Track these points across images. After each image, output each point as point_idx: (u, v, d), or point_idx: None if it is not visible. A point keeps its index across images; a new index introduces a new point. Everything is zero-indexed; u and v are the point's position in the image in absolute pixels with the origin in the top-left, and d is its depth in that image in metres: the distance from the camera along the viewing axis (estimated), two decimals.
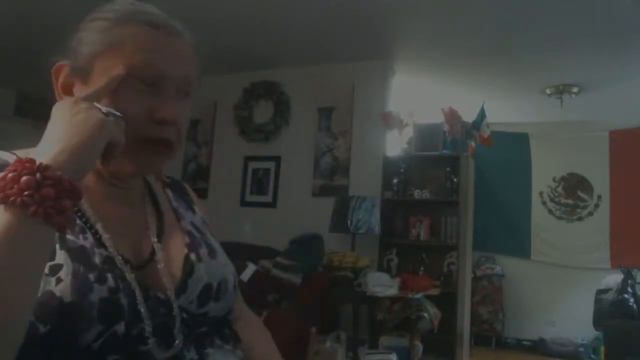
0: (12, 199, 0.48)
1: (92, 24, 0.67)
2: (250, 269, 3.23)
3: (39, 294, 0.54)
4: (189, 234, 0.74)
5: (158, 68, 0.65)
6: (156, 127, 0.65)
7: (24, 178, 0.48)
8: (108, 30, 0.66)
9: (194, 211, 0.82)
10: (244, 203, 4.46)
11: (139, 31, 0.66)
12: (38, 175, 0.49)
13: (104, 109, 0.59)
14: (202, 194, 4.49)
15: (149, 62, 0.64)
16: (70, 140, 0.53)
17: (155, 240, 0.69)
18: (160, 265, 0.66)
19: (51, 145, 0.53)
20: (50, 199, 0.49)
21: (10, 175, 0.49)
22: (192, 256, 0.70)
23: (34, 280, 0.50)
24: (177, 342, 0.62)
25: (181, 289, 0.66)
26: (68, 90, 0.68)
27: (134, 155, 0.65)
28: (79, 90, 0.66)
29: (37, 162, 0.50)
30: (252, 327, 0.85)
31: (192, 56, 0.71)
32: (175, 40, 0.68)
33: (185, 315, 0.65)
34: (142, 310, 0.60)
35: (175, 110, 0.65)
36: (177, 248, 0.71)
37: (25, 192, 0.48)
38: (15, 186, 0.48)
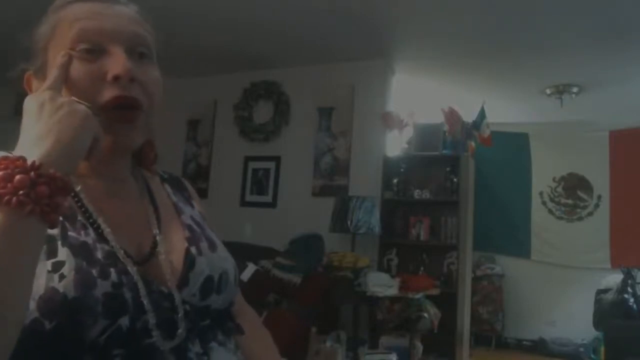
0: (6, 198, 0.47)
1: (42, 20, 0.68)
2: (250, 269, 3.23)
3: (43, 291, 0.54)
4: (189, 228, 0.74)
5: (98, 30, 0.64)
6: (114, 87, 0.63)
7: (17, 177, 0.48)
8: (50, 18, 0.67)
9: (192, 206, 0.82)
10: (244, 203, 4.46)
11: (76, 7, 0.66)
12: (32, 173, 0.49)
13: (83, 103, 0.58)
14: (202, 194, 4.49)
15: (87, 28, 0.64)
16: (59, 135, 0.53)
17: (157, 232, 0.69)
18: (162, 257, 0.66)
19: (36, 141, 0.53)
20: (45, 197, 0.49)
21: (0, 174, 0.48)
22: (193, 249, 0.70)
23: (29, 278, 0.50)
24: (179, 331, 0.62)
25: (183, 282, 0.66)
26: None
27: (105, 125, 0.62)
28: None
29: (29, 161, 0.49)
30: (251, 324, 0.85)
31: (139, 19, 0.70)
32: (117, 7, 0.68)
33: (188, 308, 0.65)
34: (146, 303, 0.60)
35: (126, 63, 0.63)
36: (177, 242, 0.71)
37: (21, 191, 0.48)
38: (9, 185, 0.48)
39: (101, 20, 0.65)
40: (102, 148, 0.63)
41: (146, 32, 0.69)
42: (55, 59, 0.63)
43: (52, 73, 0.61)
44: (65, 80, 0.61)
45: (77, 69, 0.63)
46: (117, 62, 0.63)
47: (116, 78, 0.62)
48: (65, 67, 0.62)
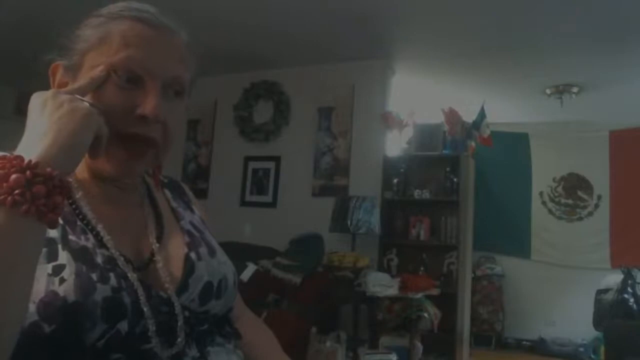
0: (1, 197, 0.47)
1: (88, 22, 0.67)
2: (250, 269, 3.23)
3: (43, 294, 0.54)
4: (189, 233, 0.75)
5: (143, 64, 0.63)
6: (138, 123, 0.63)
7: (13, 176, 0.48)
8: (99, 26, 0.65)
9: (192, 211, 0.82)
10: (244, 203, 4.46)
11: (128, 26, 0.65)
12: (28, 172, 0.48)
13: (87, 101, 0.58)
14: (202, 194, 4.49)
15: (133, 58, 0.63)
16: (58, 133, 0.53)
17: (155, 241, 0.69)
18: (159, 265, 0.66)
19: (37, 140, 0.52)
20: (41, 196, 0.48)
21: None
22: (192, 255, 0.70)
23: (28, 278, 0.50)
24: (179, 340, 0.62)
25: (182, 287, 0.66)
26: None
27: (113, 153, 0.63)
28: None
29: (26, 159, 0.49)
30: (252, 326, 0.85)
31: (185, 55, 0.69)
32: (166, 38, 0.67)
33: (187, 313, 0.65)
34: (145, 309, 0.60)
35: (157, 105, 0.63)
36: (177, 247, 0.71)
37: (16, 191, 0.47)
38: (5, 185, 0.47)
39: (149, 51, 0.64)
40: (102, 171, 0.64)
41: (189, 68, 0.69)
42: (92, 67, 0.63)
43: (82, 81, 0.62)
44: (89, 92, 0.61)
45: (111, 92, 0.62)
46: (149, 101, 0.63)
47: (143, 117, 0.62)
48: (97, 83, 0.62)
